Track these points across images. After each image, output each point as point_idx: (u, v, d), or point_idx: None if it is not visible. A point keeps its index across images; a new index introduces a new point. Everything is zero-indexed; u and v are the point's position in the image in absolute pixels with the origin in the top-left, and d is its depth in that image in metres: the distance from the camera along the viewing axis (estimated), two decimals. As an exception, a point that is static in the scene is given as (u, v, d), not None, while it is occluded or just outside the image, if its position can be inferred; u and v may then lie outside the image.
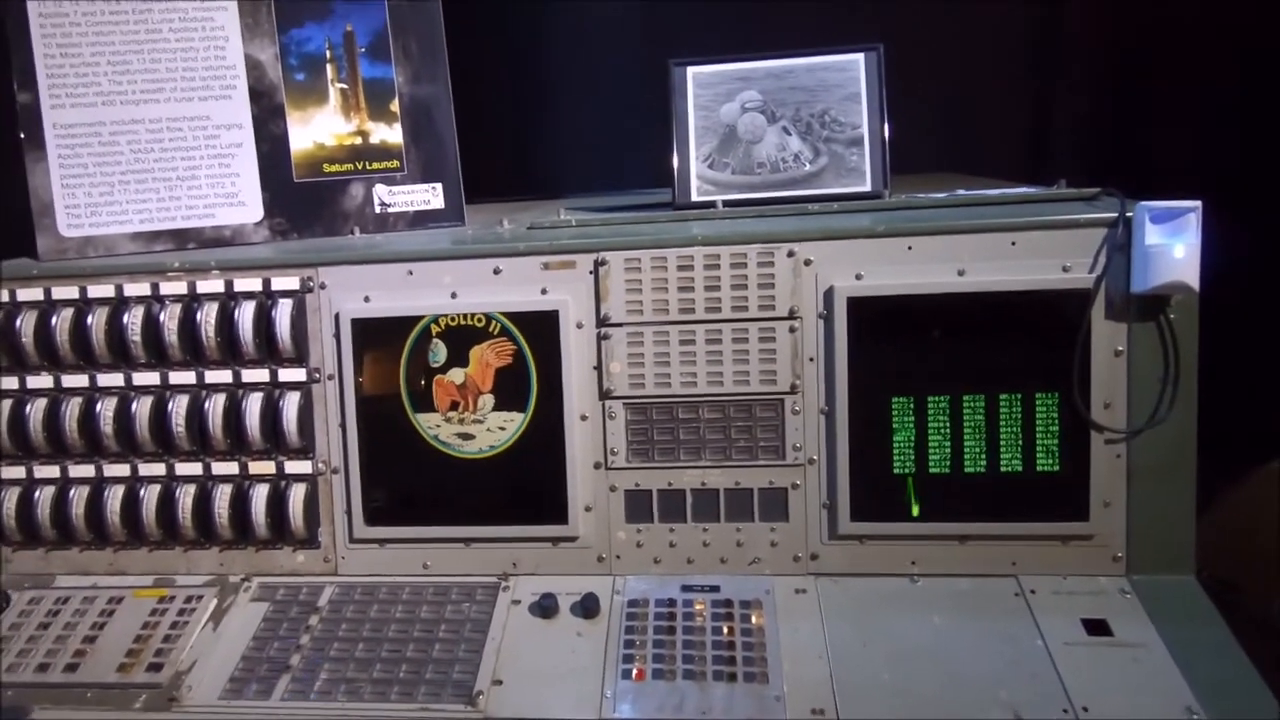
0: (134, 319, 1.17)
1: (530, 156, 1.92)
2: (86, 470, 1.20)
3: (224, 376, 1.17)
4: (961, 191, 1.18)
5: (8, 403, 1.19)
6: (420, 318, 1.12)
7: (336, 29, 1.34)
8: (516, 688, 0.99)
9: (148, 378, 1.19)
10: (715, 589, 1.09)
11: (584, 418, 1.12)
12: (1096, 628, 0.99)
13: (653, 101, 1.62)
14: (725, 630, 1.03)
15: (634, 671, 1.00)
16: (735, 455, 1.11)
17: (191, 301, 1.17)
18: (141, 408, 1.17)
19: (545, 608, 1.08)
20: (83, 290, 1.18)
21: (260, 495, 1.16)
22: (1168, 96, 1.49)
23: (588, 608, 1.07)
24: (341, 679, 1.02)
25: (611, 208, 1.32)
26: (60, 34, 1.27)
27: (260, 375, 1.17)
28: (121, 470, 1.20)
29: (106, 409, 1.18)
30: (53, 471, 1.20)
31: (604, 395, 1.12)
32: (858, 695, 0.94)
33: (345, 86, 1.35)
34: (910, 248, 1.07)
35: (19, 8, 1.25)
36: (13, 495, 1.19)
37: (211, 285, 1.17)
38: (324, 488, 1.17)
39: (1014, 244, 1.05)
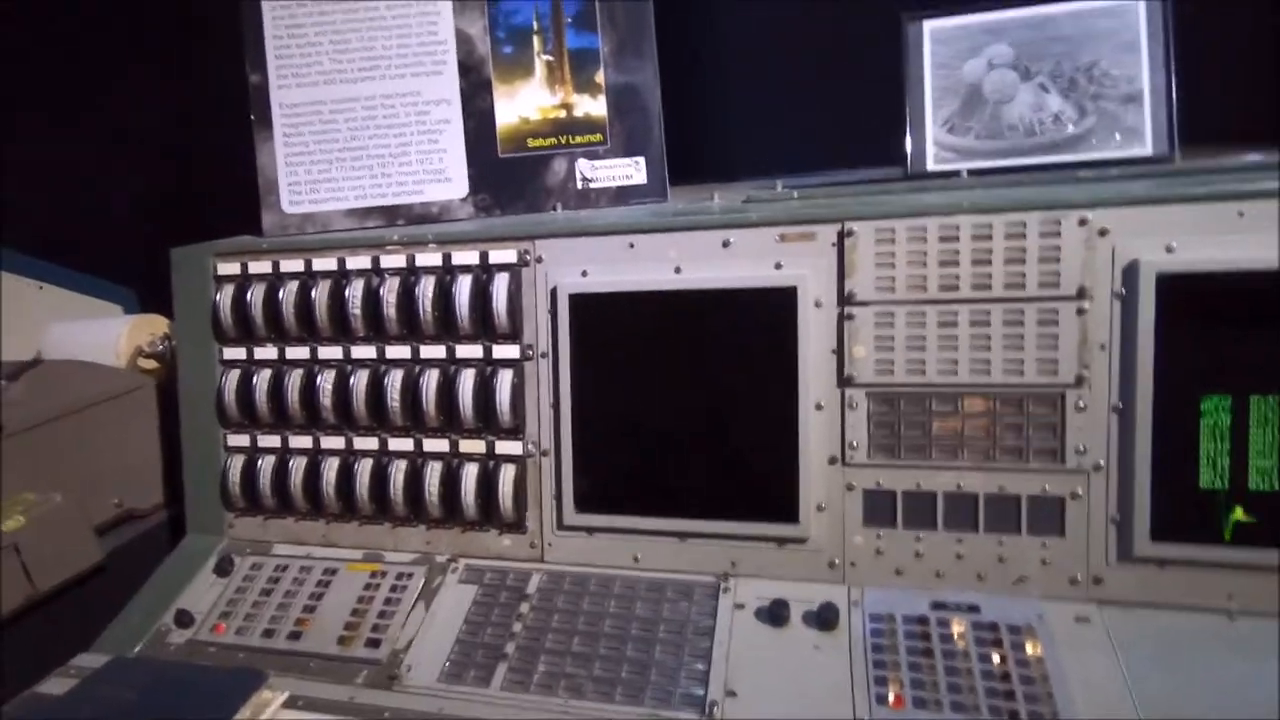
0: (354, 292, 1.05)
1: (700, 139, 1.71)
2: (305, 441, 1.10)
3: (439, 352, 1.04)
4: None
5: (236, 372, 1.10)
6: (642, 293, 0.93)
7: (545, 0, 1.18)
8: (754, 701, 0.80)
9: (365, 351, 1.07)
10: (974, 609, 0.85)
11: (819, 407, 0.90)
12: None
13: (852, 69, 1.38)
14: (996, 659, 0.80)
15: (890, 696, 0.78)
16: (1001, 456, 0.86)
17: (409, 275, 1.04)
18: (359, 381, 1.05)
19: (775, 615, 0.88)
20: (308, 263, 1.08)
21: (470, 475, 1.02)
22: None
23: (824, 618, 0.86)
24: (561, 673, 0.86)
25: (828, 183, 1.09)
26: (288, 15, 1.18)
27: (474, 351, 1.03)
28: (337, 443, 1.09)
29: (326, 381, 1.07)
30: (274, 441, 1.11)
31: (844, 382, 0.90)
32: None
33: (551, 59, 1.19)
34: (1241, 214, 0.79)
35: (254, -8, 1.16)
36: (237, 462, 1.11)
37: (429, 259, 1.04)
38: (532, 470, 1.01)
39: None
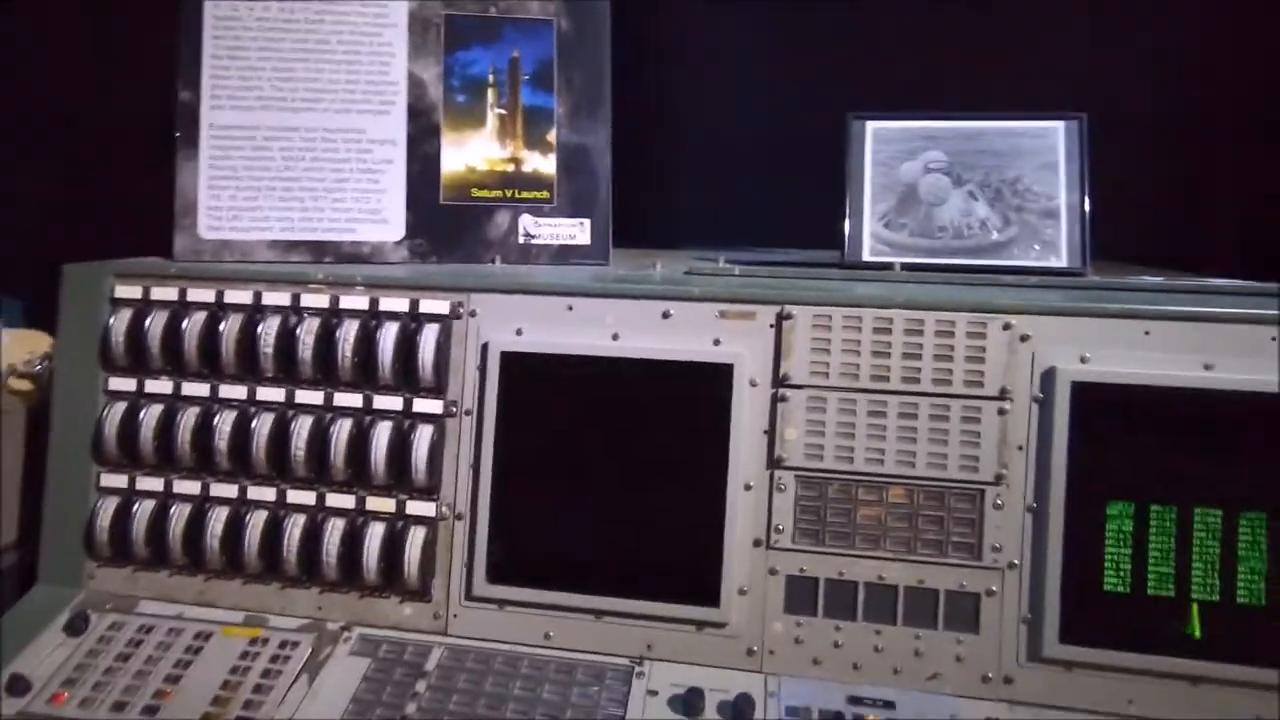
0: (269, 329, 0.97)
1: (646, 208, 1.72)
2: (192, 487, 0.99)
3: (355, 400, 0.96)
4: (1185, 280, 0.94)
5: (121, 405, 0.99)
6: (576, 356, 0.89)
7: (504, 54, 1.18)
8: (662, 807, 0.73)
9: (273, 393, 0.98)
10: (889, 705, 0.83)
11: (748, 487, 0.88)
12: None
13: (797, 158, 1.42)
14: (909, 762, 0.76)
15: None
16: (921, 549, 0.86)
17: (331, 316, 0.97)
18: (262, 425, 0.96)
19: (690, 705, 0.83)
20: (219, 294, 0.99)
21: (376, 534, 0.94)
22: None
23: (739, 711, 0.81)
24: (454, 765, 0.77)
25: (768, 261, 1.10)
26: (231, 35, 1.12)
27: (394, 403, 0.96)
28: (228, 491, 0.99)
29: (225, 422, 0.97)
30: (156, 484, 1.00)
31: (773, 464, 0.88)
32: None
33: (504, 112, 1.17)
34: (1148, 333, 0.83)
35: (194, 6, 1.10)
36: (109, 505, 0.99)
37: (355, 301, 0.97)
38: (444, 534, 0.94)
39: (1275, 339, 0.81)
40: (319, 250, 1.14)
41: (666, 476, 0.91)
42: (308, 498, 0.99)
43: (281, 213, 1.14)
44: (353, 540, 0.96)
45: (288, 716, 0.85)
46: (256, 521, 0.98)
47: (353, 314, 0.99)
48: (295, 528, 0.97)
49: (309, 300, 1.00)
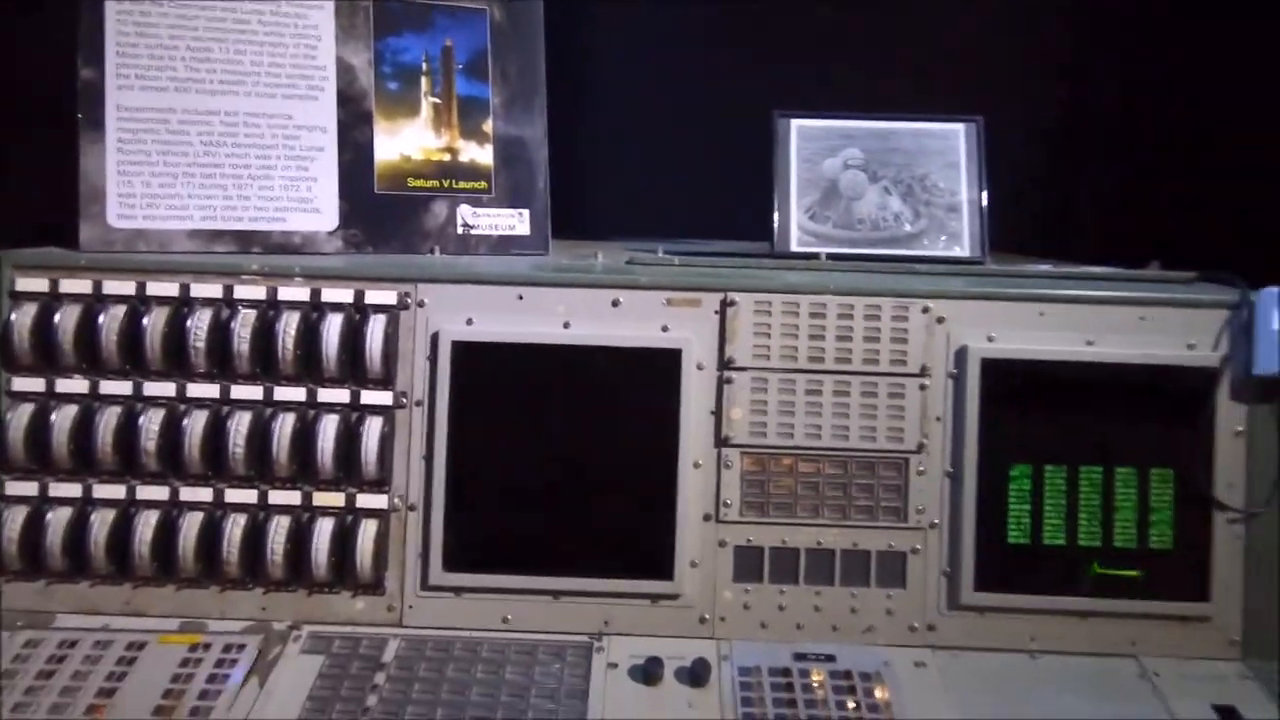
0: (199, 323, 0.93)
1: (578, 196, 1.74)
2: (115, 491, 0.93)
3: (298, 394, 0.94)
4: (1072, 267, 1.08)
5: (28, 407, 0.92)
6: (529, 345, 0.91)
7: (436, 42, 1.16)
8: (631, 768, 0.77)
9: (205, 390, 0.94)
10: (830, 658, 0.91)
11: (697, 465, 0.93)
12: (1227, 714, 0.86)
13: (723, 151, 1.49)
14: (851, 705, 0.85)
15: None
16: (855, 515, 0.94)
17: (269, 309, 0.93)
18: (195, 423, 0.92)
19: (649, 673, 0.87)
20: (141, 286, 0.93)
21: (324, 530, 0.92)
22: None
23: (696, 674, 0.87)
24: (422, 753, 0.78)
25: (704, 252, 1.16)
26: (139, 12, 1.05)
27: (340, 395, 0.94)
28: (158, 493, 0.94)
29: (151, 421, 0.92)
30: (73, 490, 0.93)
31: (721, 442, 0.94)
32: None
33: (439, 101, 1.16)
34: (1042, 314, 0.95)
35: (95, -23, 1.02)
36: (17, 515, 0.92)
37: (294, 293, 0.94)
38: (396, 526, 0.94)
39: (1142, 319, 0.95)
40: (246, 240, 1.09)
41: (619, 458, 0.95)
42: (248, 496, 0.95)
43: (202, 201, 1.08)
44: (299, 537, 0.94)
45: (242, 717, 0.82)
46: (191, 523, 0.94)
47: (292, 305, 0.96)
48: (235, 528, 0.94)
49: (243, 292, 0.96)
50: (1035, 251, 1.34)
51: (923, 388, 0.95)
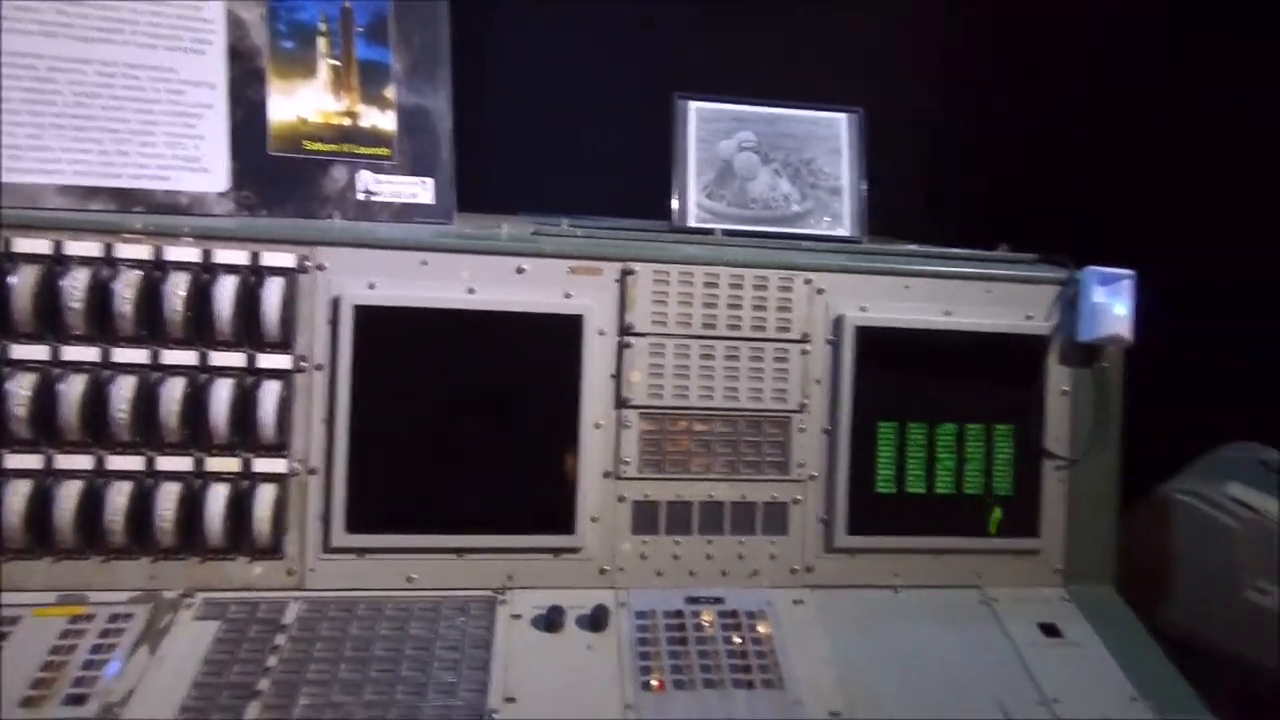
0: (75, 283, 0.88)
1: (483, 171, 1.75)
2: (-20, 460, 0.88)
3: (188, 358, 0.92)
4: (931, 248, 1.20)
5: (-127, 371, 0.85)
6: (434, 310, 0.93)
7: (334, 3, 1.14)
8: (532, 704, 0.83)
9: (83, 353, 0.90)
10: (719, 600, 1.00)
11: (598, 426, 0.99)
12: (1050, 631, 1.01)
13: (627, 131, 1.54)
14: (736, 640, 0.94)
15: (654, 683, 0.87)
16: (743, 470, 1.03)
17: (155, 269, 0.91)
18: (71, 387, 0.88)
19: (551, 621, 0.93)
20: (7, 242, 0.88)
21: (219, 496, 0.91)
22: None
23: (596, 620, 0.93)
24: (326, 703, 0.81)
25: (605, 226, 1.21)
26: (-5, -56, 0.97)
27: (235, 359, 0.93)
28: (29, 462, 0.89)
29: (20, 386, 0.88)
30: (-71, 460, 0.86)
31: (620, 404, 1.00)
32: (867, 698, 0.89)
33: (338, 64, 1.14)
34: (907, 286, 1.06)
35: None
36: None
37: (182, 253, 0.92)
38: (296, 490, 0.94)
39: (989, 292, 1.08)
40: (125, 199, 1.04)
41: (523, 420, 0.98)
42: (134, 463, 0.92)
43: (75, 155, 1.02)
44: (191, 503, 0.92)
45: (130, 688, 0.81)
46: (68, 493, 0.90)
47: (181, 266, 0.93)
48: (120, 496, 0.91)
49: (125, 251, 0.92)
50: (908, 234, 1.47)
51: (804, 353, 1.04)
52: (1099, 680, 0.95)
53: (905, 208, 1.49)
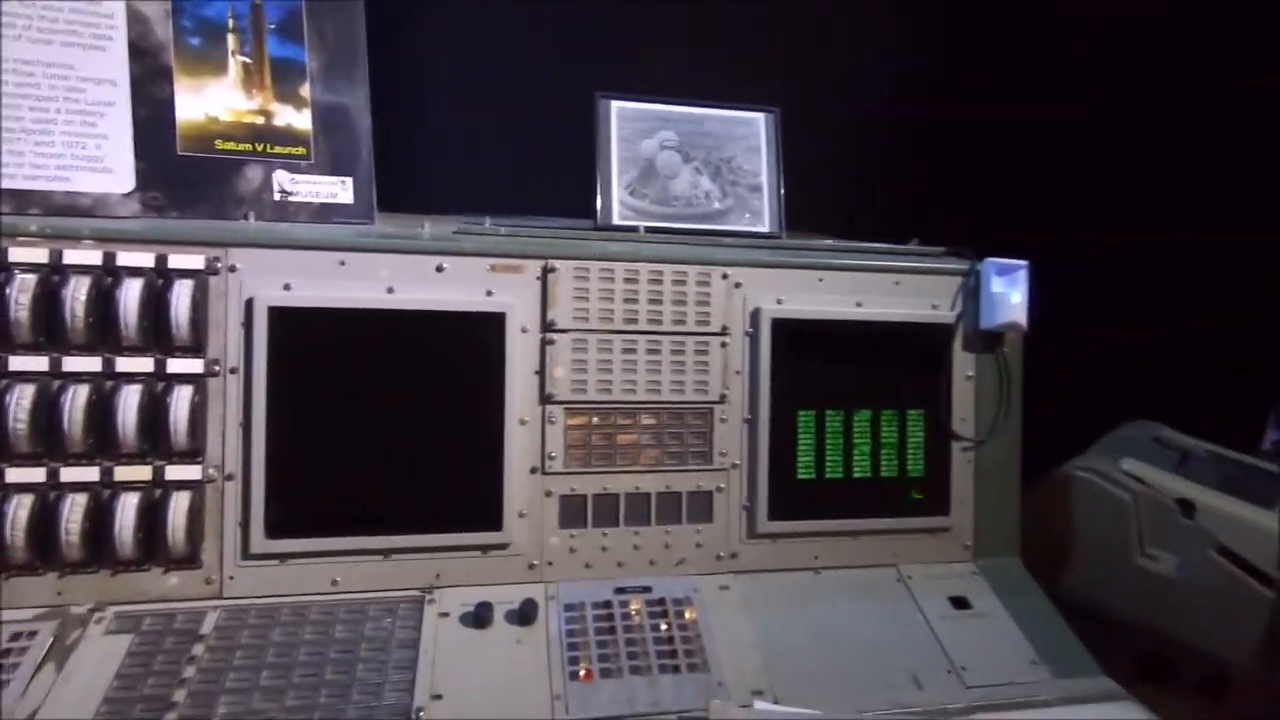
0: (-36, 288, 0.84)
1: (405, 171, 1.73)
2: None
3: (91, 365, 0.89)
4: (842, 242, 1.25)
5: None
6: (353, 310, 0.93)
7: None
8: (460, 700, 0.84)
9: (-25, 362, 0.86)
10: (647, 589, 1.02)
11: (523, 422, 1.00)
12: (959, 603, 1.07)
13: (550, 133, 1.55)
14: (663, 627, 0.96)
15: (581, 672, 0.89)
16: (668, 461, 1.06)
17: (52, 273, 0.88)
18: None
19: (480, 618, 0.93)
20: None
21: (129, 506, 0.89)
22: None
23: (525, 614, 0.94)
24: (247, 710, 0.80)
25: (533, 226, 1.22)
26: None
27: (143, 365, 0.90)
28: None
29: None
30: None
31: (545, 400, 1.01)
32: (789, 676, 0.93)
33: (249, 61, 1.12)
34: (821, 280, 1.10)
35: None
36: None
37: (82, 256, 0.89)
38: (212, 496, 0.92)
39: (898, 284, 1.13)
40: (21, 200, 1.00)
41: (447, 418, 0.98)
42: (34, 475, 0.89)
43: (-37, 155, 0.97)
44: (99, 515, 0.89)
45: (34, 707, 0.78)
46: (-37, 509, 0.86)
47: (81, 270, 0.90)
48: (20, 509, 0.87)
49: (19, 255, 0.88)
50: (827, 229, 1.52)
51: (724, 345, 1.07)
52: (1003, 647, 1.01)
53: (831, 206, 1.54)
